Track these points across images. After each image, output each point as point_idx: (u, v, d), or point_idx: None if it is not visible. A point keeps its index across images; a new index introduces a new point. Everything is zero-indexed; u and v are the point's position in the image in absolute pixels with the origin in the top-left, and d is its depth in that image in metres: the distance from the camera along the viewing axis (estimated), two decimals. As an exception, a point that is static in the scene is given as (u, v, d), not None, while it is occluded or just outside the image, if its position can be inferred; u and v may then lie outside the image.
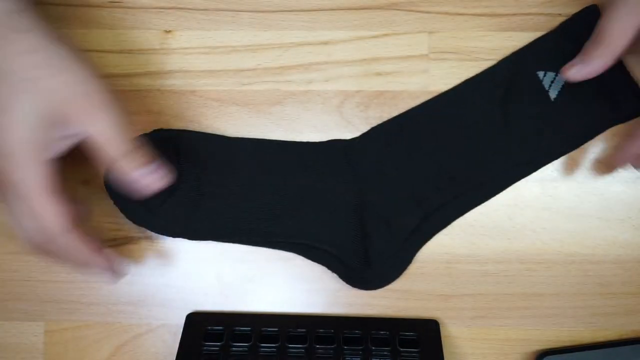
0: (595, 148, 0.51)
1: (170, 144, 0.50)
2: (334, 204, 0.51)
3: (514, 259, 0.51)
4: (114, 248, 0.52)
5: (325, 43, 0.52)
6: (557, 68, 0.50)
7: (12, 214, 0.42)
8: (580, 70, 0.46)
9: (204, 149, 0.51)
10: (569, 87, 0.49)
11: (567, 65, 0.47)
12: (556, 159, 0.51)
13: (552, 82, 0.50)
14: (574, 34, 0.49)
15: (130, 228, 0.52)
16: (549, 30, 0.51)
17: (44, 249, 0.42)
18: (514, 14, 0.51)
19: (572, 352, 0.50)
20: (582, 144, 0.50)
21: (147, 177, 0.43)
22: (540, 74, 0.50)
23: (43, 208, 0.39)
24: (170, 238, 0.52)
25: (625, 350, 0.50)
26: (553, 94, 0.50)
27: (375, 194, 0.51)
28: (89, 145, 0.41)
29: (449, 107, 0.51)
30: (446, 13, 0.52)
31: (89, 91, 0.40)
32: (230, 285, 0.52)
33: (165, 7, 0.52)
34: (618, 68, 0.49)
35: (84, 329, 0.52)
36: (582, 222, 0.51)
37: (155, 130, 0.51)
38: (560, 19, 0.51)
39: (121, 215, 0.52)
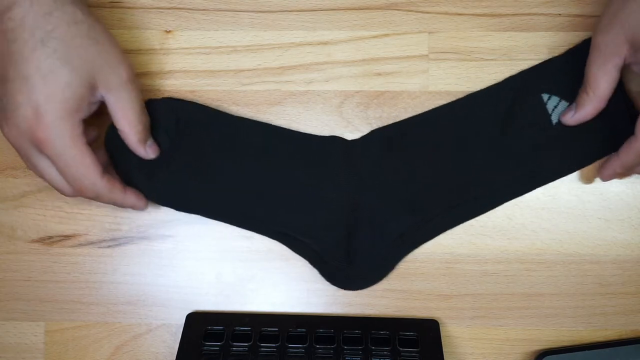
0: (595, 148, 0.51)
1: (173, 114, 0.50)
2: (325, 201, 0.51)
3: (514, 259, 0.51)
4: (113, 248, 0.52)
5: (325, 43, 0.52)
6: (562, 93, 0.50)
7: (40, 172, 0.45)
8: (574, 116, 0.48)
9: (205, 124, 0.51)
10: None
11: (564, 110, 0.49)
12: (552, 181, 0.51)
13: (555, 106, 0.50)
14: (582, 60, 0.49)
15: (129, 228, 0.52)
16: (549, 30, 0.51)
17: (78, 195, 0.46)
18: (514, 14, 0.51)
19: (572, 352, 0.50)
20: (579, 169, 0.51)
21: (143, 150, 0.48)
22: (545, 96, 0.50)
23: (78, 160, 0.44)
24: (170, 238, 0.52)
25: (625, 350, 0.50)
26: (555, 118, 0.50)
27: (369, 196, 0.51)
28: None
29: (452, 120, 0.51)
30: (446, 13, 0.52)
31: (118, 66, 0.45)
32: (230, 285, 0.52)
33: (165, 7, 0.52)
34: (619, 96, 0.49)
35: (84, 329, 0.52)
36: (582, 222, 0.51)
37: (163, 98, 0.51)
38: (561, 19, 0.51)
39: (121, 215, 0.52)
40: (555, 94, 0.50)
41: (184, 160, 0.50)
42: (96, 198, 0.46)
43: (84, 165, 0.44)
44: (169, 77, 0.52)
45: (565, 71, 0.50)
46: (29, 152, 0.44)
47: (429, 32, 0.52)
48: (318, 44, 0.52)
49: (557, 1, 0.51)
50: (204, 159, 0.50)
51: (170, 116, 0.50)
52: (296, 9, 0.52)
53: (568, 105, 0.49)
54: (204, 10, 0.52)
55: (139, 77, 0.52)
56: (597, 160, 0.50)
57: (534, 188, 0.51)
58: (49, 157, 0.44)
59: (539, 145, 0.50)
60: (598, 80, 0.46)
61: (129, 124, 0.46)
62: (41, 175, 0.46)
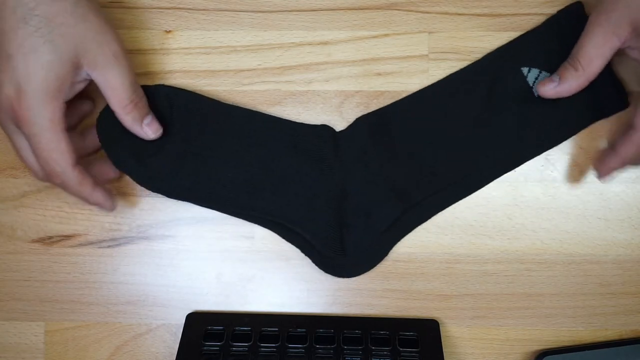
0: (593, 149, 0.51)
1: (167, 100, 0.50)
2: (315, 189, 0.51)
3: (514, 259, 0.51)
4: (113, 248, 0.52)
5: (325, 43, 0.52)
6: (541, 65, 0.50)
7: (17, 149, 0.45)
8: (555, 88, 0.47)
9: (198, 111, 0.51)
10: None
11: (544, 80, 0.48)
12: (538, 154, 0.51)
13: (536, 78, 0.50)
14: (558, 31, 0.50)
15: (129, 228, 0.52)
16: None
17: (48, 180, 0.45)
18: (514, 14, 0.51)
19: (572, 352, 0.50)
20: (564, 139, 0.51)
21: (140, 130, 0.47)
22: (525, 70, 0.50)
23: (53, 145, 0.43)
24: (170, 238, 0.52)
25: (625, 350, 0.50)
26: (537, 91, 0.50)
27: (358, 184, 0.51)
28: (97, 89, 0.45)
29: (434, 102, 0.51)
30: (446, 13, 0.52)
31: (103, 42, 0.44)
32: (230, 285, 0.52)
33: (165, 7, 0.52)
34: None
35: (84, 329, 0.52)
36: (582, 222, 0.51)
37: (156, 85, 0.51)
38: (560, 19, 0.51)
39: (121, 215, 0.52)
40: (535, 66, 0.50)
41: (176, 147, 0.50)
42: (63, 187, 0.45)
43: (58, 151, 0.43)
44: (169, 77, 0.52)
45: (543, 43, 0.50)
46: (9, 128, 0.44)
47: (429, 32, 0.52)
48: (318, 44, 0.52)
49: (557, 1, 0.51)
50: (197, 146, 0.50)
51: (164, 103, 0.50)
52: (296, 9, 0.52)
53: (549, 77, 0.49)
54: (204, 10, 0.52)
55: (139, 77, 0.52)
56: (582, 129, 0.50)
57: (522, 163, 0.51)
58: (25, 137, 0.43)
59: (523, 119, 0.50)
60: (592, 58, 0.45)
61: (119, 102, 0.45)
62: (17, 152, 0.45)
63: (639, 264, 0.51)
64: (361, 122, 0.51)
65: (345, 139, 0.51)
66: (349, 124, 0.52)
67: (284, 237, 0.51)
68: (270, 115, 0.51)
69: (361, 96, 0.52)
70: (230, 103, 0.52)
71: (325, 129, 0.51)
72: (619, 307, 0.51)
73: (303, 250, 0.51)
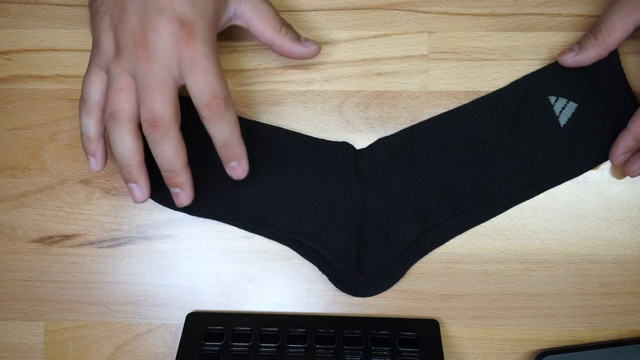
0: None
1: (185, 114, 0.49)
2: (334, 207, 0.51)
3: (514, 259, 0.51)
4: (113, 248, 0.52)
5: (325, 43, 0.52)
6: (569, 95, 0.50)
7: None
8: (574, 57, 0.48)
9: None
10: (580, 115, 0.50)
11: (563, 50, 0.49)
12: (560, 183, 0.51)
13: (563, 108, 0.50)
14: (590, 65, 0.49)
15: (129, 228, 0.52)
16: (549, 30, 0.51)
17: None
18: (514, 14, 0.51)
19: (572, 352, 0.50)
20: (587, 170, 0.51)
21: (302, 48, 0.47)
22: (552, 99, 0.50)
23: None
24: (170, 238, 0.52)
25: (625, 350, 0.50)
26: (563, 120, 0.50)
27: (378, 203, 0.51)
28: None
29: (458, 125, 0.51)
30: (446, 13, 0.52)
31: None
32: (230, 285, 0.52)
33: (165, 7, 0.52)
34: (630, 100, 0.49)
35: (84, 329, 0.52)
36: (582, 222, 0.51)
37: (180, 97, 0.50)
38: (560, 19, 0.51)
39: (121, 215, 0.52)
40: (562, 96, 0.50)
41: (197, 165, 0.50)
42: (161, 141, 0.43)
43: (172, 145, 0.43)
44: (169, 77, 0.52)
45: (573, 74, 0.50)
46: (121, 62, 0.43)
47: (429, 32, 0.52)
48: (318, 44, 0.52)
49: (557, 1, 0.51)
50: (218, 163, 0.50)
51: (185, 117, 0.50)
52: (296, 9, 0.52)
53: (577, 107, 0.50)
54: (204, 10, 0.52)
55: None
56: (603, 163, 0.50)
57: (544, 190, 0.51)
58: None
59: (547, 148, 0.50)
60: (614, 28, 0.46)
61: (274, 27, 0.45)
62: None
63: (639, 264, 0.51)
64: (383, 142, 0.51)
65: (366, 157, 0.51)
66: (349, 123, 0.52)
67: (301, 255, 0.51)
68: (291, 131, 0.51)
69: (361, 96, 0.52)
70: (236, 112, 0.52)
71: (346, 146, 0.51)
72: (619, 307, 0.51)
73: (320, 268, 0.51)
